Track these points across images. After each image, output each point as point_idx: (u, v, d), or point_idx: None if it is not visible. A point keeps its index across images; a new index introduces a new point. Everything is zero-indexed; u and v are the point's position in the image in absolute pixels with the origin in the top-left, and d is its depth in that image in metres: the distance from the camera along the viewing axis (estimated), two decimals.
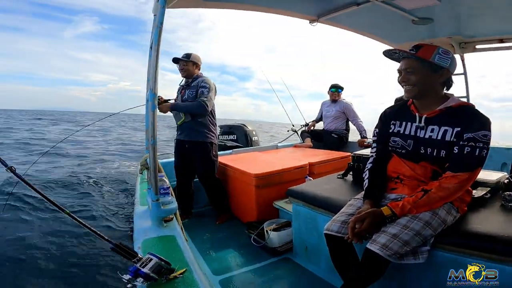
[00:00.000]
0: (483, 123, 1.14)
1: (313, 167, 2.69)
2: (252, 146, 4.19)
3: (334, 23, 2.44)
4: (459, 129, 1.16)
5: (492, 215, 1.27)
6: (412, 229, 1.12)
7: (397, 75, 1.30)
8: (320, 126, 4.19)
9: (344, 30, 2.59)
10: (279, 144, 3.92)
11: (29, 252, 3.05)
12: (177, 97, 2.71)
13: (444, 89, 1.28)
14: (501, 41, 2.54)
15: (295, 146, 3.87)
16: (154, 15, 1.23)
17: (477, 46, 2.74)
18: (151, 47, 1.21)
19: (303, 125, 4.28)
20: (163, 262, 0.74)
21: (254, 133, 4.45)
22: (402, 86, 1.28)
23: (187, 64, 2.59)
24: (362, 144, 3.53)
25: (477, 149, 1.12)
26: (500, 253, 1.05)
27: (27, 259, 2.94)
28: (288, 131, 4.53)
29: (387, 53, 1.31)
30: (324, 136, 3.93)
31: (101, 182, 7.49)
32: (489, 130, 1.14)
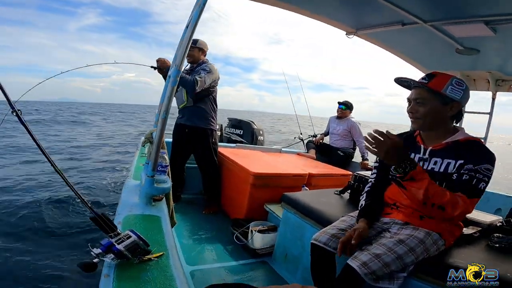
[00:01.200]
0: (487, 158, 1.11)
1: (312, 178, 2.66)
2: (256, 144, 4.17)
3: (372, 39, 2.37)
4: (462, 161, 1.13)
5: (476, 253, 1.27)
6: (396, 252, 1.11)
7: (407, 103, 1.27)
8: (326, 139, 4.15)
9: (378, 47, 2.52)
10: (283, 149, 3.89)
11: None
12: None
13: (454, 122, 1.25)
14: None
15: (298, 154, 3.84)
16: None
17: None
18: (187, 26, 1.19)
19: (311, 136, 4.24)
20: (141, 242, 0.72)
21: (261, 132, 4.43)
22: (410, 117, 1.26)
23: (194, 49, 2.56)
24: (364, 167, 3.49)
25: (475, 179, 1.09)
26: None
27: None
28: (294, 138, 4.50)
29: (398, 81, 1.29)
30: (330, 151, 3.89)
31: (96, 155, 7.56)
32: (493, 165, 1.11)
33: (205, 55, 2.66)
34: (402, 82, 1.29)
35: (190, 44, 2.49)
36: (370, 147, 1.12)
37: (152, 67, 2.34)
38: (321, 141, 4.06)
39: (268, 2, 1.93)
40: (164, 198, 1.22)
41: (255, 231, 2.07)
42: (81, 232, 2.94)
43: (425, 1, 1.70)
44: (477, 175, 1.09)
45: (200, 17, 1.16)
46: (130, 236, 0.71)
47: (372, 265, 1.07)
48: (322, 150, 3.94)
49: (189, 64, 2.65)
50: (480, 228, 1.47)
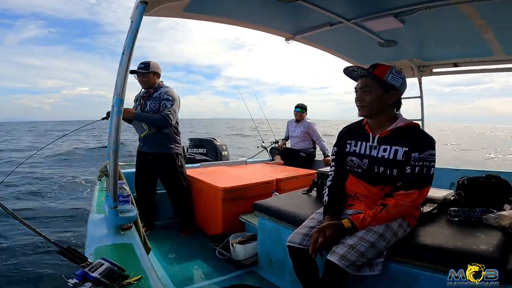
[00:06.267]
0: (429, 143, 1.25)
1: (280, 183, 2.72)
2: (221, 160, 4.16)
3: (309, 41, 2.55)
4: (407, 149, 1.25)
5: (439, 229, 1.35)
6: (368, 240, 1.16)
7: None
8: (288, 143, 4.27)
9: (317, 49, 2.72)
10: (248, 160, 3.93)
11: None
12: (135, 107, 2.58)
13: (395, 109, 1.37)
14: (455, 65, 2.76)
15: (265, 163, 3.90)
16: (131, 21, 1.22)
17: (434, 70, 2.96)
18: (123, 53, 1.19)
19: (273, 142, 4.33)
20: (115, 268, 0.69)
21: (224, 147, 4.43)
22: (357, 105, 1.36)
23: (148, 75, 2.44)
24: (327, 163, 3.65)
25: (425, 168, 1.21)
26: (445, 264, 1.12)
27: None
28: (258, 147, 4.56)
29: (347, 71, 1.40)
30: (293, 154, 4.01)
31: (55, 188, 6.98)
32: (434, 148, 1.25)
33: (159, 77, 2.55)
34: (350, 72, 1.39)
35: (142, 69, 2.45)
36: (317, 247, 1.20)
37: (103, 118, 2.18)
38: (284, 146, 4.17)
39: (208, 19, 2.02)
40: (133, 226, 1.18)
41: (235, 243, 2.05)
42: (52, 268, 2.77)
43: (346, 1, 1.89)
44: (425, 163, 1.22)
45: (135, 43, 1.18)
46: (102, 264, 0.68)
47: (350, 256, 1.12)
48: (286, 155, 4.05)
49: (143, 90, 2.55)
50: (436, 205, 1.58)
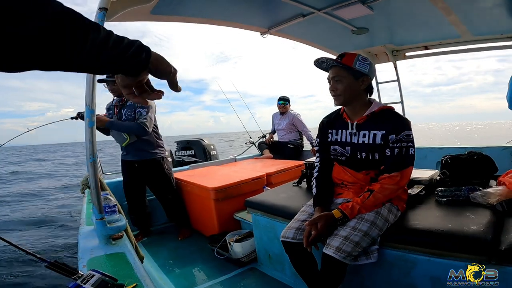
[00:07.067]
0: (403, 124, 1.27)
1: (271, 177, 2.74)
2: (211, 160, 4.14)
3: (284, 34, 2.57)
4: (384, 132, 1.28)
5: (428, 211, 1.38)
6: (361, 230, 1.19)
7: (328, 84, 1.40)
8: (276, 137, 4.29)
9: (293, 41, 2.74)
10: (237, 157, 3.93)
11: None
12: (109, 116, 2.51)
13: (368, 95, 1.41)
14: (426, 48, 2.85)
15: (255, 158, 3.91)
16: None
17: (407, 54, 3.05)
18: None
19: (261, 137, 4.34)
20: (107, 278, 0.69)
21: (212, 147, 4.42)
22: (332, 95, 1.39)
23: (115, 84, 2.41)
24: (315, 152, 3.69)
25: (404, 149, 1.24)
26: (438, 247, 1.14)
27: None
28: (246, 143, 4.56)
29: (317, 63, 1.43)
30: (281, 147, 4.04)
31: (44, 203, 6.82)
32: (410, 129, 1.28)
33: None
34: (320, 64, 1.42)
35: (111, 77, 2.36)
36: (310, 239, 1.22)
37: (72, 118, 2.15)
38: (271, 140, 4.19)
39: (179, 20, 1.99)
40: (124, 235, 1.17)
41: (233, 242, 2.06)
42: (41, 281, 2.72)
43: None
44: (403, 144, 1.25)
45: None
46: (93, 275, 0.68)
47: (345, 248, 1.14)
48: (274, 148, 4.07)
49: (115, 98, 2.50)
50: (424, 186, 1.60)
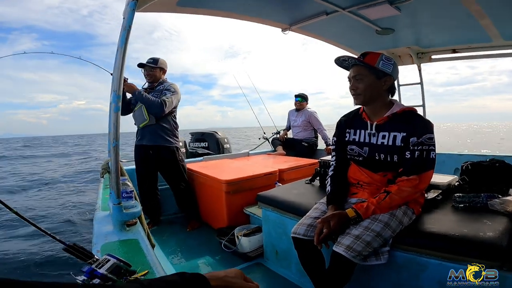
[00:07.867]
0: (426, 127, 1.24)
1: (283, 173, 2.73)
2: (223, 153, 4.17)
3: (305, 31, 2.53)
4: (405, 134, 1.25)
5: (444, 216, 1.34)
6: (373, 230, 1.17)
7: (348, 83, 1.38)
8: (290, 134, 4.27)
9: (314, 38, 2.69)
10: (250, 152, 3.94)
11: None
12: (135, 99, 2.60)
13: (389, 96, 1.37)
14: (454, 51, 2.74)
15: (267, 154, 3.91)
16: (123, 18, 1.21)
17: (433, 56, 2.94)
18: (117, 49, 1.19)
19: (274, 133, 4.33)
20: (121, 263, 0.70)
21: (225, 140, 4.44)
22: (352, 94, 1.36)
23: (155, 70, 2.53)
24: (329, 152, 3.65)
25: (425, 152, 1.21)
26: (452, 252, 1.11)
27: None
28: (259, 139, 4.55)
29: (338, 61, 1.40)
30: (295, 144, 4.01)
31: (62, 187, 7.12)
32: (432, 132, 1.24)
33: (165, 74, 2.64)
34: (341, 62, 1.39)
35: (151, 64, 2.50)
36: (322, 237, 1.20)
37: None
38: (285, 136, 4.17)
39: (203, 13, 1.98)
40: (138, 222, 1.19)
41: (241, 236, 2.07)
42: (57, 266, 2.82)
43: None
44: (424, 147, 1.21)
45: (129, 39, 1.18)
46: (108, 260, 0.69)
47: (356, 247, 1.12)
48: (287, 145, 4.05)
49: (147, 83, 2.60)
50: (441, 191, 1.56)
